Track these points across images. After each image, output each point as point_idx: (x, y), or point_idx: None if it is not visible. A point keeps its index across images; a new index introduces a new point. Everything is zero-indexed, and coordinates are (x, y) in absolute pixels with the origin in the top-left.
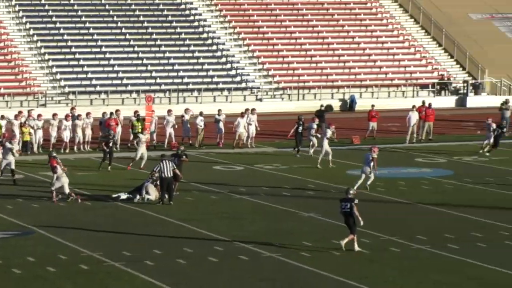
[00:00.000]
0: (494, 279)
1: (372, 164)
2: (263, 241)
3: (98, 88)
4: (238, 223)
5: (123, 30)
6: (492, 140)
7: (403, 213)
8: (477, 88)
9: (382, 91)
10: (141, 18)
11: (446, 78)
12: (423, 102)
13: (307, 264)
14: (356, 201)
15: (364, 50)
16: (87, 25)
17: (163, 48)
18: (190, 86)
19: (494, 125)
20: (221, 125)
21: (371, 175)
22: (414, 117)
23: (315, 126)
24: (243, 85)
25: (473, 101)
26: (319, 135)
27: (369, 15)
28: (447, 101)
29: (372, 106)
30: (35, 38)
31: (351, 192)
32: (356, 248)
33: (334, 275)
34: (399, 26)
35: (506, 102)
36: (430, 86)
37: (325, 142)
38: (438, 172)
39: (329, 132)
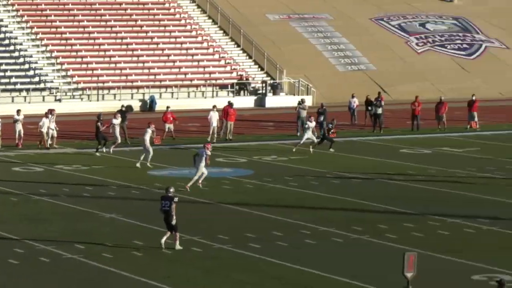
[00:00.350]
0: (295, 278)
1: (205, 160)
2: (63, 242)
3: None
4: (38, 224)
5: None
6: (308, 137)
7: (204, 213)
8: (275, 88)
9: (182, 91)
10: None
11: (245, 79)
12: (229, 102)
13: (109, 265)
14: (176, 199)
15: (163, 51)
16: None
17: None
18: None
19: (313, 124)
20: (20, 125)
21: (204, 172)
22: (215, 117)
23: (115, 122)
24: (42, 85)
25: (272, 101)
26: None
27: (168, 15)
28: (246, 101)
29: (167, 107)
30: None
31: (171, 190)
32: (177, 247)
33: (136, 275)
34: (198, 27)
35: (302, 102)
36: (229, 86)
37: (147, 142)
38: (239, 172)
39: (149, 132)
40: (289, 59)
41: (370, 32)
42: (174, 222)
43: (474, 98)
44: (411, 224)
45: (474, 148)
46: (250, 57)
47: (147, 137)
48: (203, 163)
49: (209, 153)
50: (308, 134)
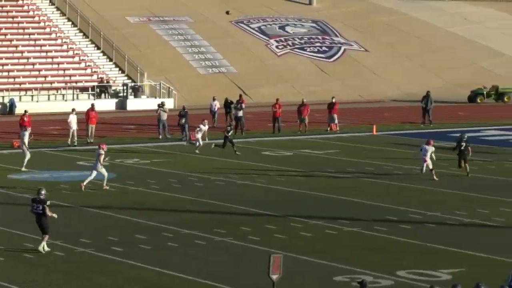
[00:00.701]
0: (158, 281)
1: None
2: None
3: None
4: None
5: None
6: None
7: (67, 217)
8: (137, 91)
9: (42, 94)
10: None
11: (105, 81)
12: (92, 105)
13: None
14: (48, 202)
15: (23, 53)
16: None
17: None
18: None
19: (206, 127)
20: None
21: (102, 171)
22: (74, 120)
23: None
24: None
25: (133, 104)
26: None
27: (27, 17)
28: (107, 104)
29: (25, 111)
30: None
31: (43, 192)
32: (44, 248)
33: None
34: (57, 29)
35: (162, 104)
36: (90, 89)
37: (26, 146)
38: (101, 175)
39: (26, 135)
40: (150, 61)
41: (230, 35)
42: (55, 215)
43: (334, 100)
44: (273, 226)
45: (334, 150)
46: (111, 60)
47: (26, 141)
48: (99, 164)
49: (102, 152)
50: (198, 136)
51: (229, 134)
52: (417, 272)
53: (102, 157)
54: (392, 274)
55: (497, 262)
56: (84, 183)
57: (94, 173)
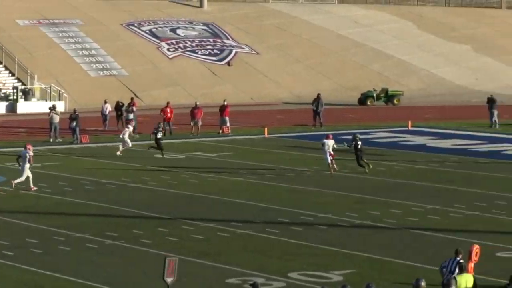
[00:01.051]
0: (50, 285)
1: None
2: None
3: None
4: None
5: None
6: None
7: None
8: (27, 94)
9: None
10: None
11: None
12: None
13: None
14: None
15: None
16: None
17: None
18: None
19: (131, 129)
20: None
21: (25, 173)
22: None
23: None
24: None
25: (24, 107)
26: None
27: None
28: None
29: None
30: None
31: None
32: None
33: None
34: None
35: (54, 108)
36: None
37: None
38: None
39: None
40: (40, 64)
41: (121, 38)
42: None
43: (225, 103)
44: (165, 229)
45: (226, 152)
46: (0, 63)
47: None
48: (27, 164)
49: (31, 153)
50: (125, 136)
51: (159, 136)
52: (309, 273)
53: (32, 157)
54: (284, 276)
55: (387, 263)
56: (15, 182)
57: (25, 174)
